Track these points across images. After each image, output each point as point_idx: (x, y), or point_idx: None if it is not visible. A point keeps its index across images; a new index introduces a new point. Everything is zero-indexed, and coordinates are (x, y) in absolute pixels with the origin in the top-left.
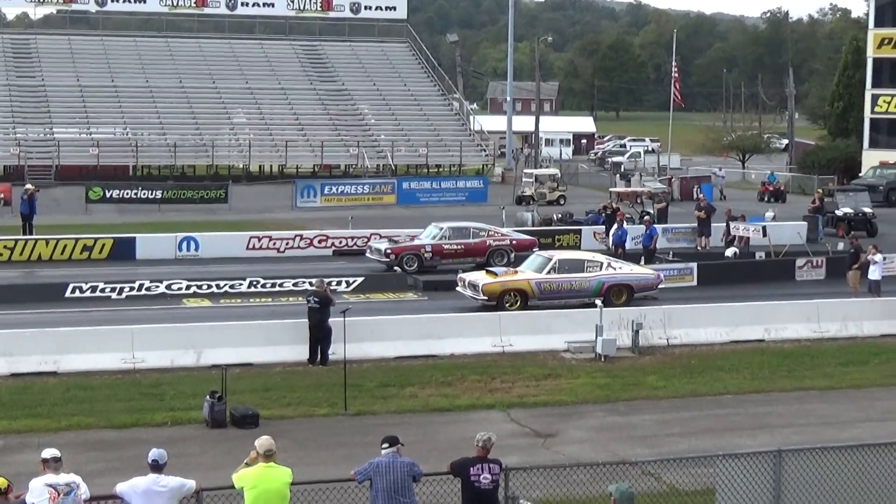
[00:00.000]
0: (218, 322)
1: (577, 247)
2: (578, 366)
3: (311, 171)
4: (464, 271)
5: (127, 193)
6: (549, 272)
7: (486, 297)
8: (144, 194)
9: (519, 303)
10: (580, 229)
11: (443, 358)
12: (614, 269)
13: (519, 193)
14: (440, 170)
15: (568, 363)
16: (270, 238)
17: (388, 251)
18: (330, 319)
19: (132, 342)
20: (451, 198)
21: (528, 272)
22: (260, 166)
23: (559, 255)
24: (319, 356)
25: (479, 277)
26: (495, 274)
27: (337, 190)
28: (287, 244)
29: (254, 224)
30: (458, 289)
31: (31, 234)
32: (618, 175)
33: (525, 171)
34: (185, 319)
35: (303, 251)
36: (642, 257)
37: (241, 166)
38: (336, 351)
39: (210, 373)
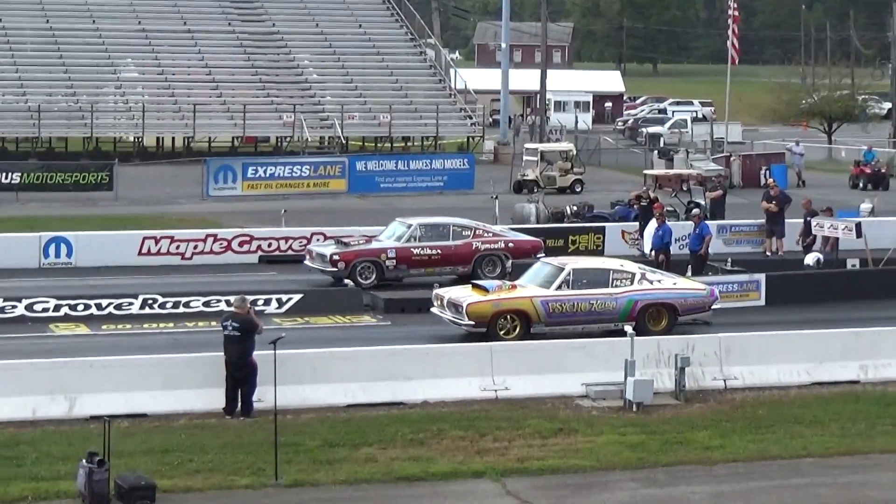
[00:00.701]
0: (99, 357)
1: (600, 252)
2: (601, 417)
3: (230, 147)
4: (441, 286)
5: None
6: (560, 287)
7: (472, 322)
8: None
9: (518, 329)
10: (603, 227)
11: (413, 407)
12: (651, 282)
13: (519, 177)
14: (409, 145)
15: (586, 414)
16: (172, 239)
17: (336, 258)
18: (255, 353)
19: None
20: (425, 184)
21: (531, 287)
22: (158, 139)
23: (574, 262)
24: (240, 404)
25: (463, 295)
26: (485, 290)
27: (265, 172)
28: (195, 248)
29: (149, 220)
30: (433, 310)
31: None
32: (656, 152)
33: (527, 146)
34: (53, 353)
35: (217, 257)
36: (690, 266)
37: (131, 139)
38: (264, 397)
39: (87, 427)
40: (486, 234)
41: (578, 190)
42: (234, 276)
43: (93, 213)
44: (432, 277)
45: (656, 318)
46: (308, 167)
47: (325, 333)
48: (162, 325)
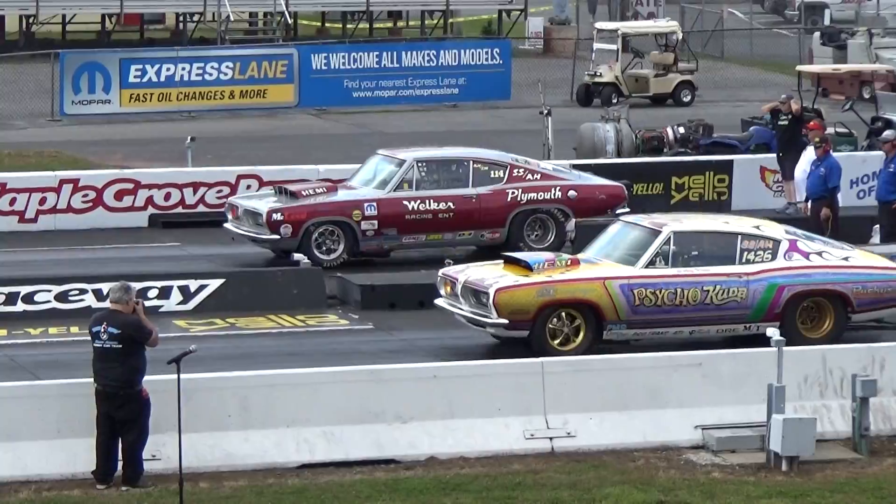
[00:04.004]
0: None
1: (726, 204)
2: (728, 483)
3: (98, 34)
4: (454, 262)
5: None
6: (652, 263)
7: (504, 321)
8: None
9: (583, 333)
10: (730, 163)
11: (411, 467)
12: (806, 255)
13: (587, 78)
14: (399, 26)
15: (703, 476)
16: (3, 188)
17: (277, 218)
18: (146, 379)
19: None
20: (427, 91)
21: (606, 263)
22: None
23: (678, 223)
24: (122, 464)
25: (491, 276)
26: (527, 267)
27: (157, 75)
28: (42, 203)
29: None
30: (439, 302)
31: None
32: (817, 35)
33: (599, 26)
34: None
35: (79, 217)
36: (879, 227)
37: None
38: (161, 451)
39: None
40: (530, 177)
41: (687, 100)
42: (109, 250)
43: None
44: (439, 250)
45: (815, 316)
46: (230, 65)
47: (262, 345)
48: None
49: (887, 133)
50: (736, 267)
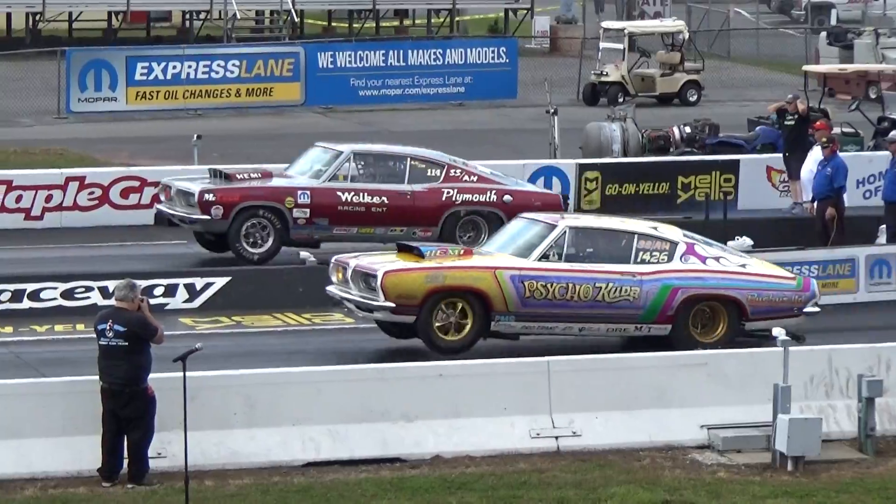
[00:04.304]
0: None
1: (731, 204)
2: (734, 483)
3: (104, 31)
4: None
5: None
6: (545, 256)
7: (390, 305)
8: None
9: (471, 323)
10: (736, 162)
11: (417, 465)
12: (703, 260)
13: (593, 77)
14: (405, 23)
15: (709, 476)
16: (9, 186)
17: (209, 198)
18: (151, 376)
19: None
20: (433, 90)
21: (501, 255)
22: None
23: (574, 219)
24: (128, 462)
25: (382, 261)
26: (420, 255)
27: (164, 73)
28: (48, 200)
29: None
30: (330, 289)
31: None
32: (824, 35)
33: (605, 25)
34: None
35: (85, 215)
36: (885, 228)
37: None
38: (167, 449)
39: None
40: (467, 178)
41: (694, 99)
42: (115, 248)
43: None
44: (371, 245)
45: (709, 321)
46: (237, 63)
47: (268, 343)
48: None
49: (894, 133)
50: (630, 266)
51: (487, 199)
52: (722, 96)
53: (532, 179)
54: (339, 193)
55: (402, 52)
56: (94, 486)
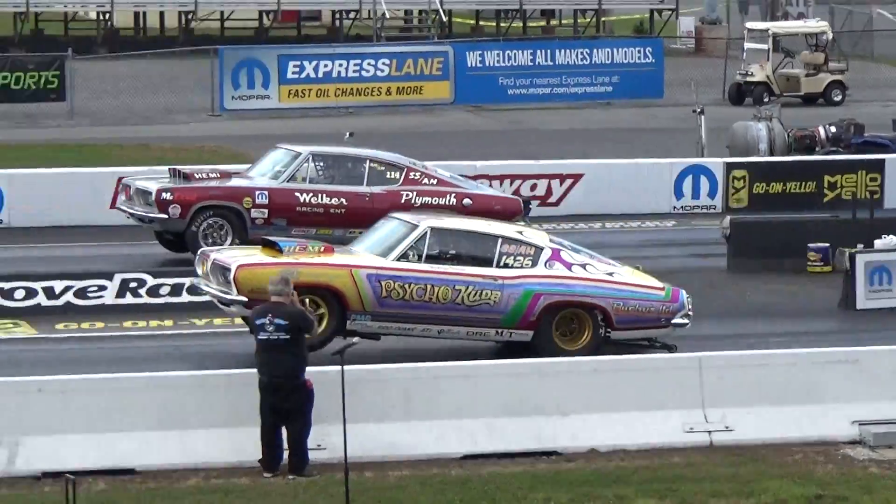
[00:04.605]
0: (53, 376)
1: (878, 203)
2: (886, 476)
3: (256, 30)
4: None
5: None
6: (404, 256)
7: (243, 299)
8: None
9: (326, 320)
10: (883, 161)
11: (573, 458)
12: (569, 266)
13: (738, 77)
14: (552, 23)
15: (861, 471)
16: None
17: (166, 197)
18: (311, 370)
19: None
20: (581, 90)
21: (363, 254)
22: (138, 16)
23: (438, 219)
24: (289, 453)
25: (241, 254)
26: (279, 250)
27: (315, 71)
28: None
29: (125, 150)
30: (195, 282)
31: None
32: None
33: (749, 25)
34: None
35: None
36: None
37: (93, 16)
38: (326, 441)
39: (39, 490)
40: (426, 181)
41: (838, 99)
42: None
43: (32, 137)
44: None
45: (575, 328)
46: (387, 62)
47: (423, 340)
48: (153, 322)
49: None
50: (493, 270)
51: (447, 203)
52: (866, 96)
53: (680, 178)
54: (298, 194)
55: (549, 51)
56: (256, 477)
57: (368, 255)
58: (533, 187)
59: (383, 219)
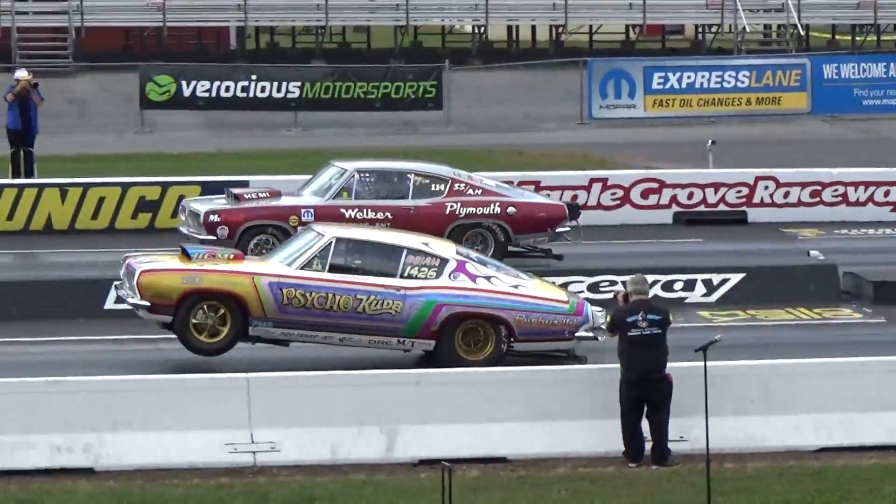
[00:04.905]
0: (431, 368)
1: None
2: None
3: (623, 43)
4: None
5: (227, 88)
6: (309, 264)
7: (146, 303)
8: (266, 90)
9: (228, 327)
10: None
11: None
12: (473, 278)
13: None
14: None
15: None
16: (537, 186)
17: (214, 219)
18: (674, 365)
19: (249, 410)
20: None
21: (272, 262)
22: (511, 30)
23: (345, 229)
24: (652, 444)
25: (146, 261)
26: (187, 256)
27: (679, 82)
28: (574, 199)
29: (497, 155)
30: (116, 283)
31: (29, 175)
32: None
33: None
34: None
35: (608, 214)
36: None
37: (468, 30)
38: (687, 432)
39: (416, 477)
40: (471, 192)
41: None
42: (636, 245)
43: (410, 144)
44: None
45: (480, 339)
46: (747, 74)
47: (781, 335)
48: None
49: None
50: (395, 280)
51: (491, 212)
52: None
53: None
54: (343, 210)
55: None
56: (621, 466)
57: (275, 263)
58: (886, 193)
59: (302, 229)
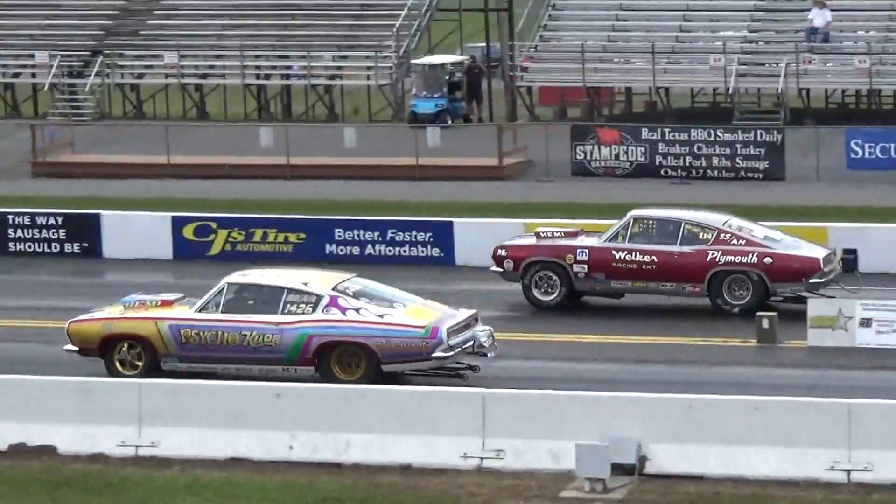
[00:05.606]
0: None
1: None
2: None
3: None
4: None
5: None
6: (206, 307)
7: (76, 348)
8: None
9: (143, 362)
10: None
11: None
12: (343, 311)
13: None
14: None
15: None
16: None
17: (502, 254)
18: None
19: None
20: None
21: (178, 307)
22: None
23: (242, 275)
24: None
25: (90, 312)
26: (122, 304)
27: None
28: None
29: None
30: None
31: None
32: None
33: None
34: None
35: None
36: None
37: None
38: None
39: None
40: (735, 242)
41: None
42: None
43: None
44: (650, 297)
45: (351, 362)
46: None
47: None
48: None
49: None
50: (276, 316)
51: (749, 261)
52: None
53: None
54: (614, 252)
55: None
56: None
57: (183, 308)
58: None
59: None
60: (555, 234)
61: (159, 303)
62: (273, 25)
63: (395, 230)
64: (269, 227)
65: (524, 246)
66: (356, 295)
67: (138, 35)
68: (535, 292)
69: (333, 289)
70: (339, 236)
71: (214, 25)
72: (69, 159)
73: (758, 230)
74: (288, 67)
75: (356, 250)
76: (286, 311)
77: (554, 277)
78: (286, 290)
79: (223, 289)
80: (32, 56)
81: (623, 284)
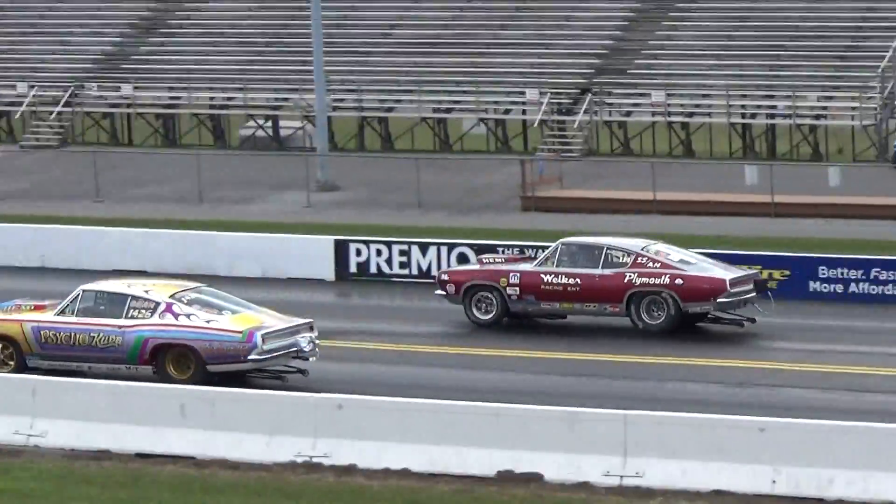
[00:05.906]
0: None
1: None
2: None
3: None
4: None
5: None
6: (64, 311)
7: None
8: None
9: (14, 360)
10: None
11: None
12: (176, 316)
13: None
14: None
15: None
16: None
17: (444, 278)
18: None
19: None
20: None
21: (46, 311)
22: None
23: (93, 283)
24: None
25: None
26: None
27: None
28: None
29: None
30: None
31: None
32: None
33: None
34: None
35: None
36: None
37: None
38: None
39: None
40: (651, 265)
41: None
42: None
43: None
44: (574, 317)
45: (183, 363)
46: None
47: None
48: None
49: None
50: (120, 321)
51: (661, 282)
52: None
53: None
54: (543, 276)
55: None
56: None
57: (49, 312)
58: None
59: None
60: (495, 259)
61: (33, 306)
62: (759, 66)
63: (878, 269)
64: (753, 263)
65: (463, 271)
66: (190, 302)
67: (626, 74)
68: (474, 311)
69: (171, 296)
70: (823, 274)
71: (701, 65)
72: (557, 194)
73: (674, 254)
74: (773, 107)
75: (839, 288)
76: (129, 316)
77: (492, 298)
78: (130, 297)
79: (79, 295)
80: (523, 93)
81: (551, 306)
